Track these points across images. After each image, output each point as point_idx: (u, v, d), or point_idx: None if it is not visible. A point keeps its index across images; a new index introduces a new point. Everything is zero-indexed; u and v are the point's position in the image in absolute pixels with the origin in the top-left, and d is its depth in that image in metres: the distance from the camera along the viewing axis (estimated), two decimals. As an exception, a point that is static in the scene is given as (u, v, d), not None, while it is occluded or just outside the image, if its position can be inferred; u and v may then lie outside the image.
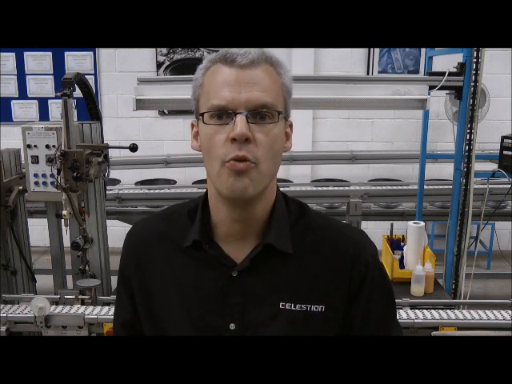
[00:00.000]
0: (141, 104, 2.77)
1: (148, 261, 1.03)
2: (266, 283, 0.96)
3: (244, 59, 0.89)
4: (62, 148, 2.32)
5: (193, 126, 0.99)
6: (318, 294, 0.97)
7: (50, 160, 2.46)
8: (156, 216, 1.10)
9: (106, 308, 2.24)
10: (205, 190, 1.03)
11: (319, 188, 3.95)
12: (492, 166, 3.21)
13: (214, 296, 0.97)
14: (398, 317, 2.09)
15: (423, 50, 4.84)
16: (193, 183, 4.62)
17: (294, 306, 0.96)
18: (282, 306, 0.96)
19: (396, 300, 2.41)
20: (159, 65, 5.03)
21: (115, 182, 4.29)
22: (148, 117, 5.10)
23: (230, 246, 0.98)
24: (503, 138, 3.02)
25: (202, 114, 0.91)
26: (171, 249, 1.01)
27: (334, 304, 0.97)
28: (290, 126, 0.99)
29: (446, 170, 4.34)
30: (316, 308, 0.96)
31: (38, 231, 3.50)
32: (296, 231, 0.99)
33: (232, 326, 0.95)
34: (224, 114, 0.89)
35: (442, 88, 2.96)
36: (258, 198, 0.94)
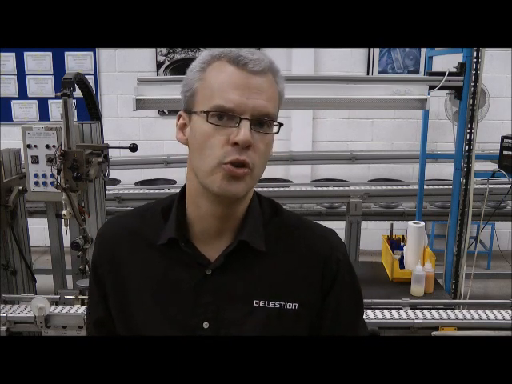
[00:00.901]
0: (141, 104, 2.77)
1: (121, 258, 1.02)
2: (239, 281, 0.97)
3: (256, 66, 0.89)
4: (62, 148, 2.32)
5: (179, 117, 0.98)
6: (291, 292, 0.98)
7: (49, 160, 2.46)
8: (129, 213, 1.09)
9: (106, 308, 2.24)
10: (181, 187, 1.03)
11: (319, 188, 3.95)
12: (492, 166, 3.21)
13: (187, 295, 0.97)
14: (398, 317, 2.12)
15: (423, 50, 4.84)
16: (193, 183, 4.61)
17: (268, 304, 0.97)
18: (256, 303, 0.96)
19: (396, 300, 2.42)
20: (159, 65, 5.03)
21: (115, 181, 4.29)
22: (148, 117, 5.10)
23: (204, 245, 0.98)
24: (503, 137, 3.02)
25: (205, 112, 0.90)
26: (144, 247, 1.01)
27: (307, 302, 0.99)
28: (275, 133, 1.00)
29: (445, 170, 4.34)
30: (289, 306, 0.97)
31: (37, 231, 3.50)
32: (269, 230, 1.00)
33: (206, 325, 0.95)
34: (226, 115, 0.89)
35: (442, 88, 2.97)
36: (242, 197, 0.95)
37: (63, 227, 2.59)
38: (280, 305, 0.97)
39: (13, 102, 5.11)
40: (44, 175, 2.54)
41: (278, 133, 0.94)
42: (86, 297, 2.34)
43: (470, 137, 2.96)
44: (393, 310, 2.17)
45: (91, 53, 5.00)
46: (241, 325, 0.96)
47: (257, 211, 1.01)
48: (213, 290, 0.96)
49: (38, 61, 5.02)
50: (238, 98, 0.88)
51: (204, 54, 0.95)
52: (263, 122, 0.91)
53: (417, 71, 4.99)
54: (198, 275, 0.97)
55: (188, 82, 0.96)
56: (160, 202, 1.06)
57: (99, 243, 1.07)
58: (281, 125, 0.93)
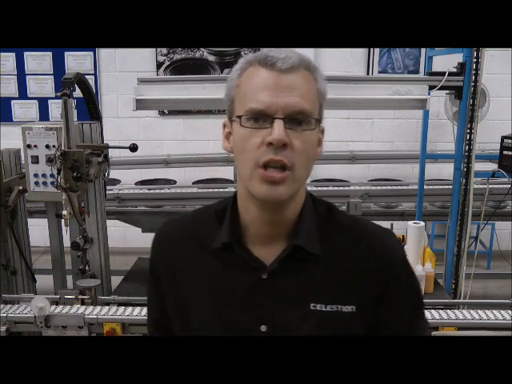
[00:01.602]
0: (141, 104, 2.77)
1: (177, 260, 1.03)
2: (295, 284, 0.96)
3: (284, 64, 0.88)
4: (62, 148, 2.32)
5: (224, 126, 0.98)
6: (348, 295, 0.96)
7: (49, 160, 2.46)
8: (185, 216, 1.10)
9: (106, 308, 2.24)
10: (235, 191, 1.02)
11: (319, 188, 3.95)
12: (492, 166, 3.21)
13: (243, 298, 0.96)
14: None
15: (423, 50, 4.83)
16: (193, 183, 4.62)
17: (325, 307, 0.95)
18: (313, 306, 0.95)
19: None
20: (159, 65, 5.03)
21: (115, 182, 4.29)
22: (148, 117, 5.10)
23: (258, 248, 0.98)
24: (503, 137, 3.02)
25: (240, 117, 0.90)
26: (199, 250, 1.01)
27: (364, 304, 0.97)
28: (322, 131, 0.98)
29: (445, 170, 4.34)
30: (347, 308, 0.96)
31: (37, 231, 3.50)
32: (324, 232, 0.98)
33: (263, 328, 0.95)
34: (261, 117, 0.88)
35: (442, 88, 2.97)
36: (288, 201, 0.94)
37: (63, 227, 2.59)
38: (337, 308, 0.96)
39: (13, 101, 5.11)
40: (44, 175, 2.54)
41: (314, 129, 0.91)
42: (86, 297, 2.34)
43: (470, 137, 2.96)
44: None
45: (91, 53, 5.00)
46: (298, 328, 0.95)
47: (311, 213, 0.99)
48: (269, 293, 0.96)
49: (38, 61, 5.02)
50: (267, 98, 0.88)
51: (240, 60, 0.95)
52: (300, 119, 0.89)
53: (417, 71, 4.99)
54: (254, 279, 0.96)
55: (227, 91, 0.96)
56: (214, 205, 1.06)
57: (156, 244, 1.08)
58: (316, 120, 0.92)
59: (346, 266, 0.97)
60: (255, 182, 0.90)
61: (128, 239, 5.12)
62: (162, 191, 3.90)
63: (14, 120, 5.07)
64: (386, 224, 3.59)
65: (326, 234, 0.98)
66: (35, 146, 2.50)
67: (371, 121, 5.12)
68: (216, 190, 3.84)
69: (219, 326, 0.97)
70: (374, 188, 3.85)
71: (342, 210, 1.06)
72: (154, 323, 1.10)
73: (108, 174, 2.63)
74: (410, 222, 2.81)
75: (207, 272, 1.00)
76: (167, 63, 5.03)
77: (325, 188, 3.91)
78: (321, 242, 0.97)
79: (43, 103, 5.09)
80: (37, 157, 2.52)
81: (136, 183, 4.53)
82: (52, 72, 5.03)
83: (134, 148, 2.49)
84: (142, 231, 3.81)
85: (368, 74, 4.97)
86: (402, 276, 1.00)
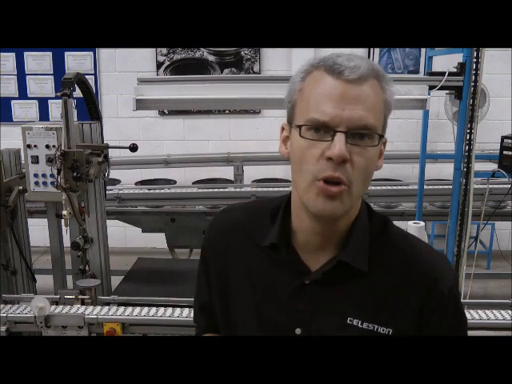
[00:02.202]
0: (141, 104, 2.76)
1: (227, 250, 1.04)
2: (336, 296, 0.95)
3: (352, 74, 0.84)
4: (62, 148, 2.32)
5: (283, 129, 0.95)
6: (386, 316, 0.94)
7: (49, 160, 2.45)
8: (240, 208, 1.10)
9: (106, 308, 2.24)
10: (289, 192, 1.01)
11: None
12: (492, 166, 3.21)
13: (284, 299, 0.96)
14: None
15: (423, 50, 4.83)
16: (193, 183, 4.62)
17: (361, 324, 0.94)
18: (350, 321, 0.94)
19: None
20: (159, 65, 5.03)
21: (115, 182, 4.29)
22: (148, 117, 5.10)
23: (306, 253, 0.97)
24: (503, 137, 3.02)
25: (300, 127, 0.87)
26: (250, 244, 1.02)
27: (402, 329, 0.94)
28: (384, 143, 0.95)
29: (445, 170, 4.34)
30: (383, 330, 0.93)
31: (37, 231, 3.50)
32: (374, 248, 0.96)
33: (298, 331, 0.95)
34: (322, 128, 0.85)
35: (442, 88, 2.96)
36: (342, 215, 0.92)
37: (63, 227, 2.59)
38: (373, 327, 0.94)
39: (13, 101, 5.11)
40: (44, 175, 2.53)
41: (377, 145, 0.88)
42: (86, 297, 2.34)
43: (470, 137, 2.96)
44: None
45: (91, 53, 5.00)
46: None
47: (364, 227, 0.97)
48: (309, 299, 0.95)
49: (38, 61, 5.02)
50: (332, 110, 0.84)
51: (306, 62, 0.91)
52: (363, 134, 0.86)
53: (417, 71, 4.99)
54: (297, 282, 0.96)
55: (289, 93, 0.93)
56: (271, 201, 1.05)
57: (210, 231, 1.10)
58: (380, 136, 0.88)
59: (390, 287, 0.94)
60: (311, 196, 0.88)
61: (128, 239, 5.12)
62: (162, 191, 3.90)
63: (14, 120, 5.07)
64: (386, 224, 3.56)
65: (377, 251, 0.96)
66: (35, 146, 2.50)
67: (371, 121, 5.11)
68: (216, 190, 3.84)
69: (256, 322, 0.98)
70: (373, 188, 3.84)
71: (398, 227, 1.02)
72: (201, 307, 1.13)
73: (108, 174, 2.63)
74: (410, 222, 2.80)
75: (254, 267, 1.00)
76: (167, 63, 5.03)
77: (325, 188, 3.90)
78: (370, 258, 0.94)
79: (43, 103, 5.09)
80: (37, 157, 2.51)
81: (136, 183, 4.53)
82: (52, 72, 5.02)
83: (133, 148, 2.49)
84: (142, 231, 3.81)
85: (368, 74, 4.96)
86: (448, 307, 0.96)
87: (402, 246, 0.98)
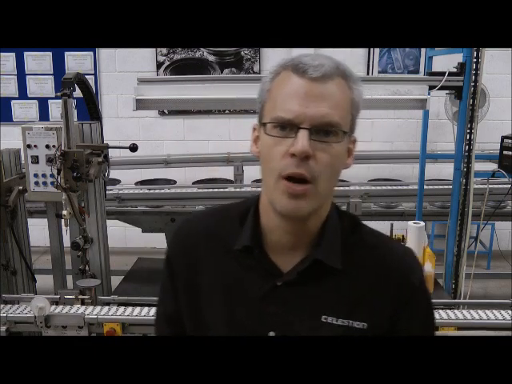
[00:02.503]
0: (141, 104, 2.77)
1: (196, 257, 1.02)
2: (309, 296, 0.95)
3: (316, 72, 0.86)
4: (62, 148, 2.32)
5: (254, 129, 0.96)
6: (361, 312, 0.95)
7: (49, 160, 2.46)
8: (207, 214, 1.10)
9: (106, 308, 2.24)
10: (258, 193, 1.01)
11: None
12: (492, 166, 3.21)
13: (256, 302, 0.96)
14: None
15: (423, 50, 4.83)
16: (193, 183, 4.62)
17: (336, 321, 0.94)
18: (324, 319, 0.94)
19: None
20: (159, 65, 5.03)
21: (115, 182, 4.29)
22: (148, 117, 5.10)
23: (278, 255, 0.97)
24: (503, 137, 3.02)
25: (266, 124, 0.89)
26: (219, 249, 1.00)
27: (376, 323, 0.95)
28: (354, 141, 0.96)
29: (445, 170, 4.34)
30: (358, 325, 0.94)
31: (37, 231, 3.50)
32: (346, 247, 0.97)
33: (271, 334, 0.95)
34: (287, 126, 0.87)
35: (442, 88, 2.96)
36: (311, 214, 0.92)
37: (63, 227, 2.59)
38: (348, 322, 0.94)
39: (13, 101, 5.11)
40: (44, 175, 2.54)
41: (341, 141, 0.88)
42: (86, 297, 2.34)
43: (470, 137, 2.96)
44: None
45: (91, 53, 5.00)
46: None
47: (335, 226, 0.98)
48: (282, 301, 0.95)
49: (38, 61, 5.02)
50: (296, 107, 0.85)
51: (276, 63, 0.93)
52: (328, 131, 0.87)
53: (417, 71, 4.99)
54: (269, 285, 0.96)
55: (260, 93, 0.94)
56: (237, 205, 1.05)
57: (176, 239, 1.07)
58: (345, 132, 0.89)
59: (363, 283, 0.96)
60: (277, 194, 0.88)
61: (128, 239, 5.12)
62: (162, 191, 3.90)
63: (14, 120, 5.07)
64: (386, 224, 3.59)
65: (349, 249, 0.97)
66: (35, 145, 2.50)
67: (371, 121, 5.12)
68: (216, 189, 3.84)
69: (229, 327, 0.97)
70: (373, 188, 3.84)
71: (366, 225, 1.04)
72: (168, 320, 1.08)
73: (108, 174, 2.63)
74: (410, 222, 2.80)
75: (224, 273, 0.99)
76: (167, 63, 5.03)
77: (325, 188, 3.90)
78: (343, 256, 0.96)
79: (43, 103, 5.09)
80: (37, 157, 2.51)
81: (136, 183, 4.53)
82: (52, 72, 5.03)
83: (133, 148, 2.49)
84: (142, 231, 3.81)
85: (368, 73, 4.97)
86: (420, 300, 0.99)
87: (372, 243, 1.00)
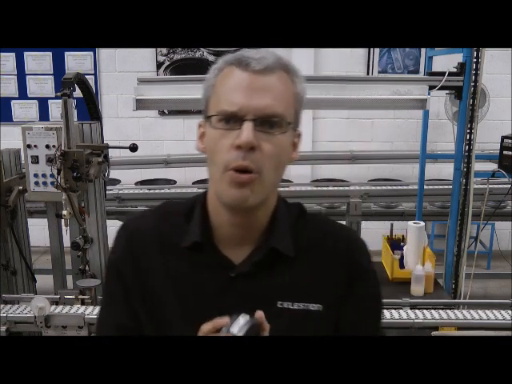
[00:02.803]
0: (141, 104, 2.77)
1: (144, 259, 1.00)
2: (265, 284, 0.96)
3: (258, 65, 0.87)
4: (62, 148, 2.32)
5: (200, 126, 0.97)
6: (316, 293, 0.97)
7: (49, 160, 2.46)
8: (151, 213, 1.07)
9: (106, 308, 2.24)
10: (205, 190, 1.02)
11: (319, 188, 3.95)
12: (492, 166, 3.21)
13: (212, 297, 0.96)
14: (398, 317, 2.12)
15: (423, 50, 4.83)
16: (193, 183, 4.63)
17: (293, 305, 0.96)
18: (280, 304, 0.96)
19: (396, 300, 2.43)
20: (159, 65, 5.03)
21: (115, 182, 4.29)
22: (148, 117, 5.10)
23: (229, 248, 0.98)
24: (503, 137, 3.03)
25: (211, 118, 0.90)
26: (168, 247, 0.99)
27: (332, 303, 0.98)
28: (299, 135, 0.97)
29: (445, 170, 4.34)
30: (313, 307, 0.97)
31: (37, 231, 3.50)
32: (295, 233, 0.99)
33: None
34: (232, 119, 0.87)
35: (442, 88, 2.97)
36: (258, 206, 0.93)
37: (63, 227, 2.59)
38: (305, 306, 0.96)
39: (13, 101, 5.11)
40: (44, 175, 2.54)
41: (286, 132, 0.89)
42: (86, 297, 2.34)
43: (470, 137, 2.96)
44: (393, 310, 2.17)
45: (91, 53, 5.00)
46: None
47: (284, 215, 0.99)
48: (237, 292, 0.95)
49: (38, 61, 5.02)
50: (239, 99, 0.87)
51: (220, 59, 0.94)
52: (272, 122, 0.88)
53: (417, 71, 4.99)
54: (223, 278, 0.96)
55: (204, 90, 0.95)
56: (181, 203, 1.04)
57: (122, 241, 1.04)
58: (289, 123, 0.90)
59: (314, 266, 0.98)
60: (224, 185, 0.89)
61: (128, 239, 5.12)
62: (162, 191, 3.91)
63: (14, 120, 5.07)
64: (386, 224, 3.59)
65: (299, 235, 0.99)
66: (35, 145, 2.50)
67: (371, 121, 5.12)
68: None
69: (189, 325, 0.94)
70: (373, 188, 3.85)
71: (312, 212, 1.08)
72: (119, 329, 1.02)
73: (108, 174, 2.63)
74: (410, 222, 2.81)
75: (175, 271, 0.98)
76: (167, 63, 5.03)
77: (325, 188, 3.91)
78: (293, 243, 0.98)
79: (43, 103, 5.09)
80: (37, 157, 2.51)
81: (136, 183, 4.54)
82: (52, 72, 5.03)
83: (133, 148, 2.49)
84: (142, 231, 3.81)
85: (368, 74, 4.97)
86: (369, 276, 1.02)
87: (318, 226, 1.03)
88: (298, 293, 0.97)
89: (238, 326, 0.83)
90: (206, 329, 0.85)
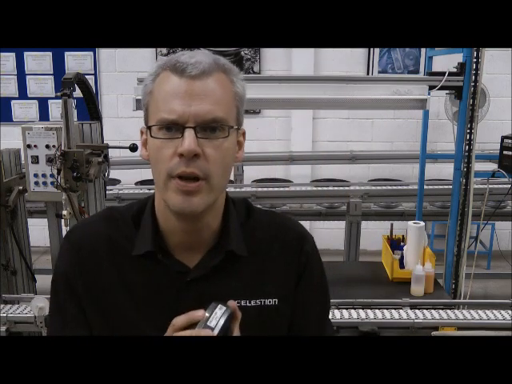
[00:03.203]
0: (141, 104, 2.76)
1: (96, 269, 0.97)
2: (221, 285, 0.96)
3: (194, 69, 0.86)
4: (62, 148, 2.32)
5: (142, 133, 0.95)
6: (271, 288, 0.99)
7: (49, 160, 2.45)
8: (98, 219, 1.03)
9: (106, 308, 2.24)
10: (150, 195, 1.01)
11: (319, 188, 3.95)
12: (492, 166, 3.21)
13: (169, 303, 0.95)
14: (398, 317, 2.12)
15: (423, 50, 4.84)
16: (193, 183, 4.62)
17: (249, 303, 0.97)
18: (238, 303, 0.94)
19: (396, 300, 2.43)
20: (159, 65, 5.03)
21: (115, 182, 4.29)
22: (148, 117, 5.09)
23: (182, 253, 0.97)
24: (503, 137, 3.02)
25: (151, 127, 0.89)
26: (120, 255, 0.97)
27: (286, 296, 1.00)
28: (243, 134, 0.97)
29: (445, 170, 4.35)
30: (269, 302, 0.98)
31: (37, 231, 3.50)
32: (246, 232, 1.00)
33: None
34: (173, 127, 0.86)
35: (442, 88, 2.96)
36: (207, 210, 0.92)
37: (63, 227, 2.59)
38: (260, 302, 0.98)
39: (13, 101, 5.11)
40: (44, 175, 2.53)
41: (228, 136, 0.88)
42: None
43: (470, 137, 2.96)
44: (393, 310, 2.17)
45: (91, 53, 5.00)
46: None
47: (233, 217, 1.00)
48: (194, 296, 0.94)
49: (38, 61, 5.02)
50: (178, 107, 0.85)
51: (154, 64, 0.92)
52: (214, 127, 0.87)
53: (417, 71, 4.99)
54: (178, 283, 0.95)
55: (143, 96, 0.94)
56: (129, 208, 1.02)
57: (70, 250, 0.99)
58: (231, 127, 0.89)
59: (267, 261, 1.00)
60: (170, 194, 0.88)
61: (128, 239, 5.12)
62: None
63: (14, 120, 5.07)
64: (386, 224, 3.59)
65: (248, 233, 1.00)
66: (35, 145, 2.50)
67: (371, 121, 5.12)
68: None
69: (145, 332, 0.94)
70: (374, 188, 3.85)
71: (258, 207, 1.09)
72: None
73: (108, 174, 2.63)
74: (410, 222, 2.81)
75: (130, 280, 0.96)
76: (167, 63, 5.03)
77: (325, 188, 3.91)
78: (245, 241, 0.98)
79: (43, 103, 5.09)
80: (37, 157, 2.51)
81: (136, 183, 4.53)
82: (52, 72, 5.03)
83: (133, 148, 2.48)
84: (142, 231, 3.80)
85: (368, 74, 4.98)
86: (313, 269, 1.04)
87: (266, 221, 1.04)
88: (254, 290, 0.98)
89: (216, 319, 0.83)
90: (179, 322, 0.84)
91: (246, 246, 0.98)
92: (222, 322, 0.83)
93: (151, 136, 0.89)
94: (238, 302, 0.94)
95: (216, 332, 0.82)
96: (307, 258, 1.02)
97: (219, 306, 0.84)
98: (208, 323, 0.83)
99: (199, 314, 0.84)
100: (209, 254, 0.97)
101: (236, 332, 0.86)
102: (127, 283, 0.97)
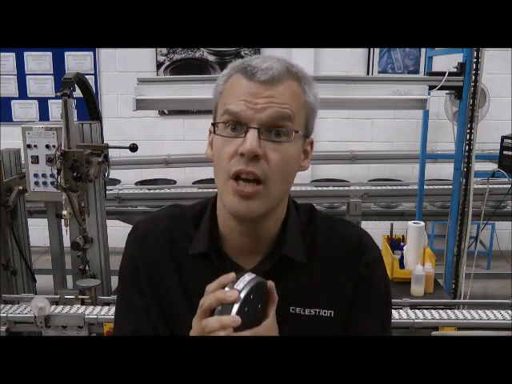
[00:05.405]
0: (141, 104, 2.77)
1: (156, 263, 0.99)
2: (277, 290, 0.93)
3: (264, 75, 0.86)
4: (62, 148, 2.32)
5: (210, 132, 0.95)
6: (327, 299, 0.96)
7: (49, 160, 2.46)
8: (163, 216, 1.06)
9: (106, 308, 2.24)
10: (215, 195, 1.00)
11: (319, 188, 3.95)
12: (492, 166, 3.21)
13: None
14: (398, 317, 2.12)
15: (423, 50, 4.84)
16: (193, 183, 4.62)
17: (304, 311, 0.95)
18: (292, 310, 0.95)
19: (396, 300, 2.43)
20: (159, 65, 5.03)
21: (115, 182, 4.29)
22: (148, 117, 5.10)
23: (239, 256, 0.97)
24: (503, 137, 3.03)
25: (217, 125, 0.89)
26: (178, 253, 0.99)
27: (342, 309, 0.97)
28: (311, 143, 0.96)
29: (446, 170, 4.34)
30: (325, 313, 0.96)
31: (37, 231, 3.50)
32: (307, 237, 0.98)
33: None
34: (237, 126, 0.86)
35: (442, 88, 2.97)
36: (267, 215, 0.92)
37: (63, 227, 2.59)
38: (315, 312, 0.96)
39: (13, 101, 5.11)
40: (44, 175, 2.54)
41: (292, 141, 0.87)
42: (86, 297, 2.34)
43: (470, 137, 2.96)
44: (393, 310, 2.17)
45: (91, 53, 5.00)
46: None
47: (295, 222, 0.98)
48: None
49: (38, 61, 5.02)
50: (245, 108, 0.85)
51: (229, 65, 0.93)
52: (279, 131, 0.86)
53: (417, 71, 4.99)
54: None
55: (213, 96, 0.94)
56: (191, 207, 1.03)
57: (136, 244, 1.02)
58: (296, 132, 0.88)
59: (326, 270, 0.97)
60: (228, 195, 0.88)
61: (128, 239, 5.12)
62: (162, 191, 3.90)
63: (14, 120, 5.08)
64: (386, 224, 3.59)
65: (309, 240, 0.98)
66: (35, 145, 2.50)
67: (371, 121, 5.12)
68: (216, 189, 3.84)
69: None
70: (374, 188, 3.85)
71: (322, 212, 1.06)
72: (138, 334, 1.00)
73: (108, 174, 2.63)
74: (410, 222, 2.81)
75: (187, 278, 0.97)
76: (167, 63, 5.03)
77: (325, 188, 3.91)
78: (305, 248, 0.97)
79: (43, 103, 5.09)
80: (37, 157, 2.52)
81: (136, 183, 4.53)
82: (52, 72, 5.03)
83: (133, 148, 2.49)
84: (142, 231, 3.80)
85: (368, 74, 4.98)
86: (373, 279, 0.99)
87: (329, 229, 1.01)
88: (310, 299, 0.96)
89: (243, 282, 0.82)
90: (212, 287, 0.83)
91: (306, 252, 0.96)
92: (249, 286, 0.82)
93: (215, 133, 0.89)
94: (292, 309, 0.95)
95: (243, 295, 0.81)
96: (366, 269, 0.98)
97: (249, 273, 0.84)
98: (235, 286, 0.82)
99: (230, 276, 0.83)
100: (265, 259, 0.96)
101: (271, 318, 0.84)
102: (185, 281, 0.98)
